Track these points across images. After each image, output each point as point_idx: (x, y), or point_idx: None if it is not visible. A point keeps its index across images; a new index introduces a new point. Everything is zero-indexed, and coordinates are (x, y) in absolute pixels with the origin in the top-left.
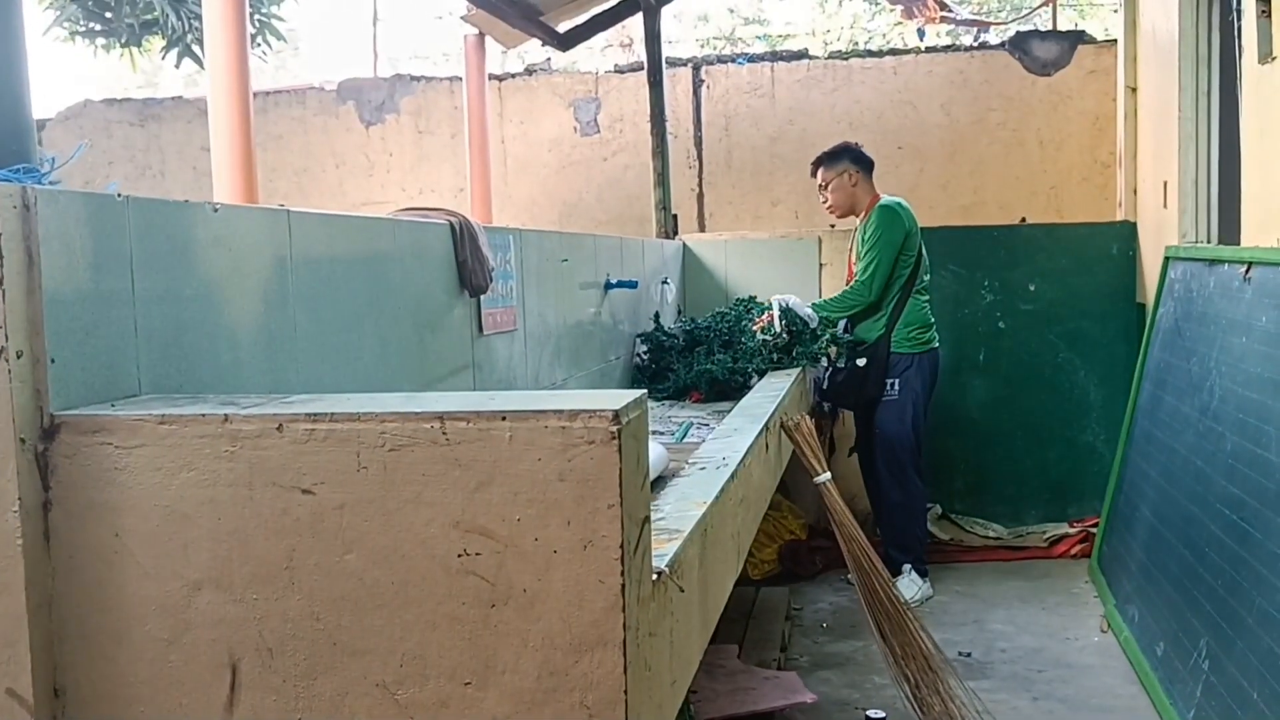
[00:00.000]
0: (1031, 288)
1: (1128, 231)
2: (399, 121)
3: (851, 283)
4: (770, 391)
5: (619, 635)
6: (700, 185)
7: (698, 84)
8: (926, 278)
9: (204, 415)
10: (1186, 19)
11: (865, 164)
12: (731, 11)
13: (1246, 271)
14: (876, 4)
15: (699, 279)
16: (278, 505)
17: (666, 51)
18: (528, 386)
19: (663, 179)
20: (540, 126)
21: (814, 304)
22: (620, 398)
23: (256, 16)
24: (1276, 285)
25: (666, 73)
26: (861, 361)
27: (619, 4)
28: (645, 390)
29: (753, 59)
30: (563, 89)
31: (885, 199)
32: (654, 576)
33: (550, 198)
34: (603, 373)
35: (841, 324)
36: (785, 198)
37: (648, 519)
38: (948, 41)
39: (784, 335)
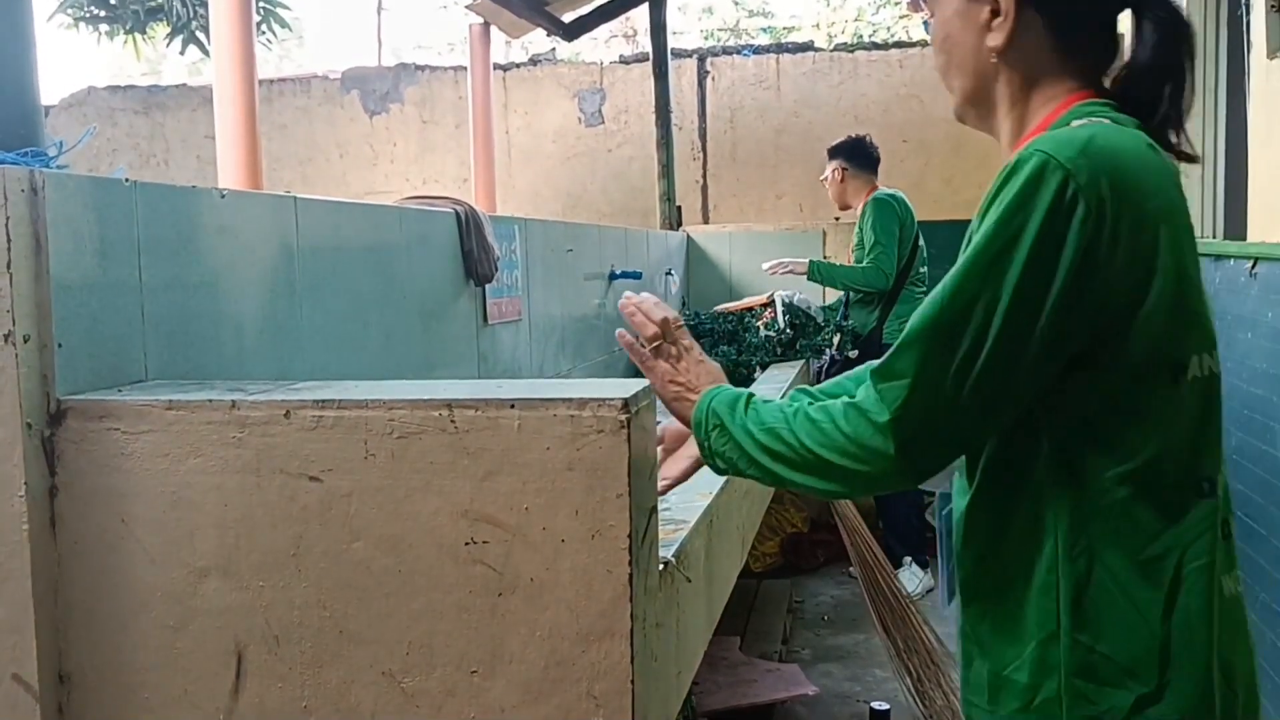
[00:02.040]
0: None
1: None
2: (403, 111)
3: (863, 265)
4: (774, 384)
5: (626, 625)
6: (705, 177)
7: (703, 75)
8: (923, 270)
9: (211, 401)
10: (1194, 13)
11: (860, 159)
12: (736, 4)
13: (1253, 267)
14: None
15: (703, 271)
16: (285, 492)
17: (671, 43)
18: (532, 376)
19: (667, 170)
20: (545, 117)
21: (814, 261)
22: (629, 387)
23: (262, 5)
24: None
25: (671, 64)
26: (854, 353)
27: None
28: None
29: (758, 51)
30: (567, 80)
31: (880, 192)
32: (661, 567)
33: (554, 189)
34: (606, 364)
35: (841, 310)
36: (790, 190)
37: (655, 509)
38: None
39: (788, 331)
